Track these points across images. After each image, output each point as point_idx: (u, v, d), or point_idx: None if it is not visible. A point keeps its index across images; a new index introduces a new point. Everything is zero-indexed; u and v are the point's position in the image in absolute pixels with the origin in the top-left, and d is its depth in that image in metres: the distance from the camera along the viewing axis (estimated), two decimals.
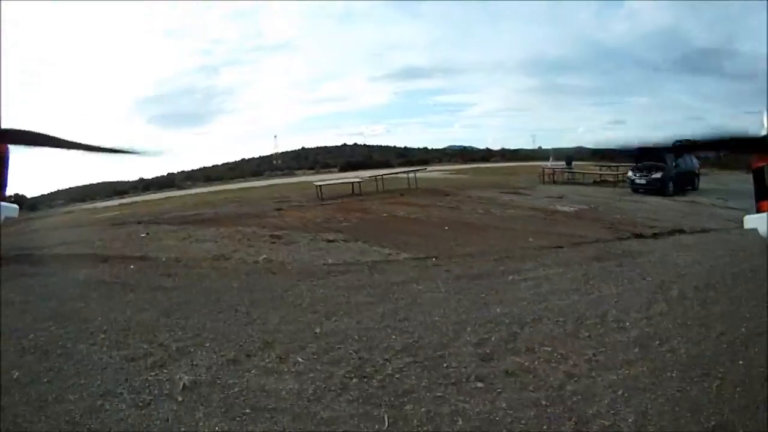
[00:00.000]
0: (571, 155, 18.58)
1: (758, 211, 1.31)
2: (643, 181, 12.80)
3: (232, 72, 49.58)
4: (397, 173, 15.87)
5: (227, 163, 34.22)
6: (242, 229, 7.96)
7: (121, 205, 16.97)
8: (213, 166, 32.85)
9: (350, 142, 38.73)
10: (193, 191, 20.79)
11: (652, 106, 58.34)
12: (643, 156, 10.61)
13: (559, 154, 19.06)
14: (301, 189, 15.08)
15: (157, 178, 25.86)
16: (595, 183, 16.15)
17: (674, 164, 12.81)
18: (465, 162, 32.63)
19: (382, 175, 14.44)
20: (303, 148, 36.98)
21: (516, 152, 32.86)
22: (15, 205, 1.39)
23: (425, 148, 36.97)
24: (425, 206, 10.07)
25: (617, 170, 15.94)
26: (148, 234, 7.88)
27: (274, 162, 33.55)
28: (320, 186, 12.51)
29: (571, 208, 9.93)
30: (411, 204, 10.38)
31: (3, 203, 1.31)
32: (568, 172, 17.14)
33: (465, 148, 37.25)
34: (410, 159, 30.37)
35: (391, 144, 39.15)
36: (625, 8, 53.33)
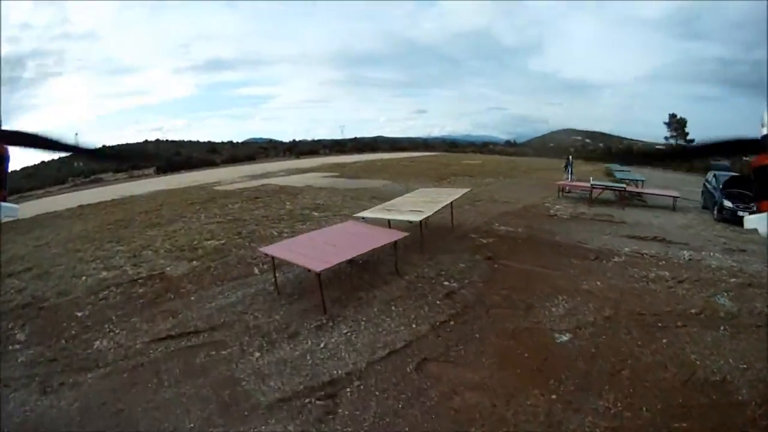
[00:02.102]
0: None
1: (758, 210, 1.34)
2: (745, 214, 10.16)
3: (35, 63, 44.74)
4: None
5: (26, 168, 29.51)
6: None
7: None
8: (11, 172, 28.85)
9: (152, 138, 37.43)
10: None
11: (454, 98, 65.09)
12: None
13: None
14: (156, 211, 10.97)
15: None
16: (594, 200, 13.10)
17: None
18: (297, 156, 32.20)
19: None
20: (104, 146, 33.04)
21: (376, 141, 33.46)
22: (15, 206, 1.45)
23: (230, 142, 36.57)
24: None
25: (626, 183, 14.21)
26: None
27: (76, 164, 29.92)
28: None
29: None
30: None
31: (3, 203, 1.40)
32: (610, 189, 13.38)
33: (271, 140, 37.76)
34: (221, 155, 28.27)
35: (194, 138, 37.30)
36: (438, 8, 58.57)
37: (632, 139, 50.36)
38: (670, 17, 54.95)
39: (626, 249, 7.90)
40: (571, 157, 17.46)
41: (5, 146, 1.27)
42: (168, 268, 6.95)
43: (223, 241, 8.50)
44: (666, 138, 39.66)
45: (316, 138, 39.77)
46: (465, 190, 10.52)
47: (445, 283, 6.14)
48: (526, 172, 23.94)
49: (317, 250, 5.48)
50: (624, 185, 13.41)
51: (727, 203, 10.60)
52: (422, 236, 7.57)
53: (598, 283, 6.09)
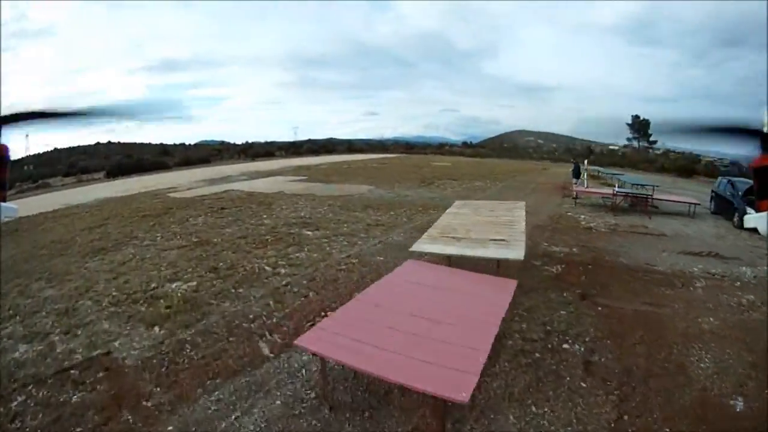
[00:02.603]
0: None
1: (758, 210, 1.33)
2: None
3: None
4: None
5: None
6: None
7: None
8: None
9: (104, 140, 35.06)
10: None
11: (406, 100, 69.11)
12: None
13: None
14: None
15: None
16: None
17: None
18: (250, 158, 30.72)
19: None
20: (56, 149, 31.53)
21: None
22: (15, 206, 1.48)
23: (183, 144, 36.85)
24: None
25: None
26: None
27: (25, 168, 27.28)
28: None
29: None
30: None
31: (3, 203, 1.39)
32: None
33: (223, 142, 37.77)
34: (174, 157, 27.23)
35: (146, 140, 35.91)
36: (394, 11, 61.40)
37: (585, 140, 52.33)
38: (626, 24, 58.05)
39: (695, 270, 7.11)
40: (584, 162, 16.46)
41: (5, 147, 1.28)
42: (117, 344, 4.26)
43: (193, 284, 5.83)
44: (628, 139, 41.19)
45: (269, 139, 37.79)
46: (520, 204, 8.30)
47: (566, 346, 4.23)
48: (507, 174, 22.88)
49: (410, 339, 3.09)
50: (649, 192, 12.42)
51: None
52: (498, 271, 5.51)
53: (712, 319, 5.15)
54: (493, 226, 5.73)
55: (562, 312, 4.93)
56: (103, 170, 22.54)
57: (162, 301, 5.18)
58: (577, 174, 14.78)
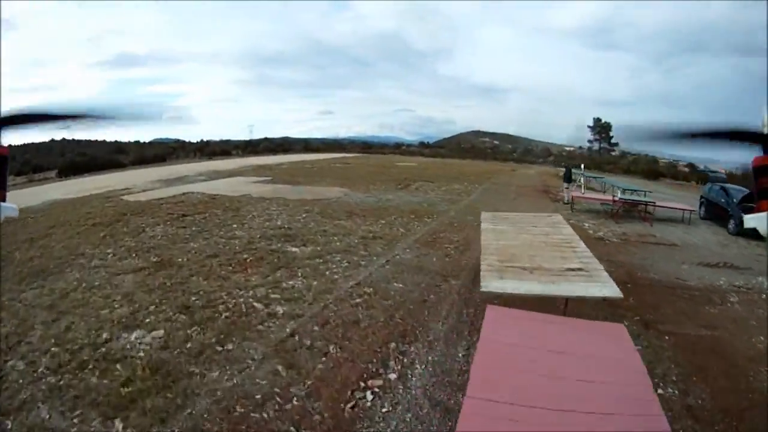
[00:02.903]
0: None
1: (758, 210, 1.32)
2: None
3: None
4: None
5: None
6: None
7: None
8: None
9: (58, 137, 33.43)
10: None
11: (361, 99, 70.77)
12: None
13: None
14: None
15: None
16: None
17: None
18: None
19: None
20: (10, 146, 28.89)
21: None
22: (14, 206, 1.45)
23: (137, 142, 35.25)
24: None
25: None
26: None
27: None
28: None
29: None
30: None
31: (3, 203, 1.38)
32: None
33: (179, 140, 37.51)
34: (128, 155, 25.88)
35: (101, 138, 34.50)
36: (353, 11, 62.76)
37: (541, 141, 53.76)
38: (584, 28, 60.14)
39: (722, 283, 6.90)
40: (581, 167, 16.10)
41: (5, 147, 1.28)
42: None
43: (160, 334, 4.27)
44: (590, 141, 42.31)
45: (224, 138, 36.07)
46: (557, 217, 7.21)
47: (661, 391, 3.59)
48: (479, 176, 22.37)
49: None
50: (650, 199, 12.12)
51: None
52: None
53: (762, 338, 4.92)
54: (553, 249, 4.72)
55: (637, 347, 4.11)
56: (55, 169, 20.12)
57: (119, 367, 3.62)
58: (568, 178, 14.31)
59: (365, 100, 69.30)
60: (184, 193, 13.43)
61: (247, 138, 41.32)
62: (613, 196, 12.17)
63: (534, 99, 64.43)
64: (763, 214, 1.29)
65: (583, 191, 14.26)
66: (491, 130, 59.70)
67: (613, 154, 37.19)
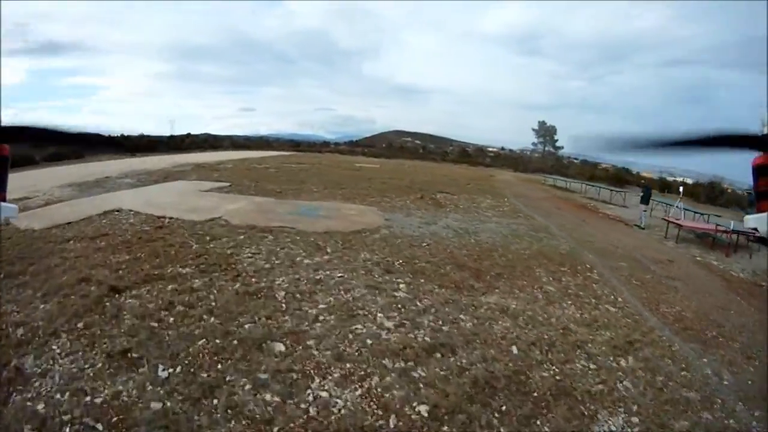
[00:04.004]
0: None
1: (758, 211, 1.29)
2: None
3: None
4: None
5: None
6: None
7: None
8: None
9: None
10: None
11: (283, 97, 70.66)
12: None
13: None
14: None
15: None
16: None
17: None
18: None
19: None
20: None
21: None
22: (14, 206, 1.41)
23: None
24: None
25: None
26: None
27: None
28: None
29: None
30: None
31: (3, 203, 1.34)
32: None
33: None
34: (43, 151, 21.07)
35: None
36: (283, 8, 61.88)
37: (461, 142, 53.86)
38: (510, 35, 62.12)
39: None
40: (680, 190, 14.52)
41: (5, 147, 1.24)
42: None
43: None
44: (534, 144, 42.48)
45: (144, 133, 30.50)
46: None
47: None
48: (474, 183, 19.25)
49: None
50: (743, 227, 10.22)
51: None
52: None
53: None
54: None
55: None
56: None
57: None
58: (646, 200, 12.50)
59: (286, 97, 64.98)
60: (105, 213, 7.51)
61: (168, 134, 35.61)
62: (716, 225, 10.45)
63: (455, 101, 65.17)
64: (764, 214, 1.25)
65: (683, 217, 12.55)
66: (412, 130, 58.68)
67: (564, 160, 37.65)
